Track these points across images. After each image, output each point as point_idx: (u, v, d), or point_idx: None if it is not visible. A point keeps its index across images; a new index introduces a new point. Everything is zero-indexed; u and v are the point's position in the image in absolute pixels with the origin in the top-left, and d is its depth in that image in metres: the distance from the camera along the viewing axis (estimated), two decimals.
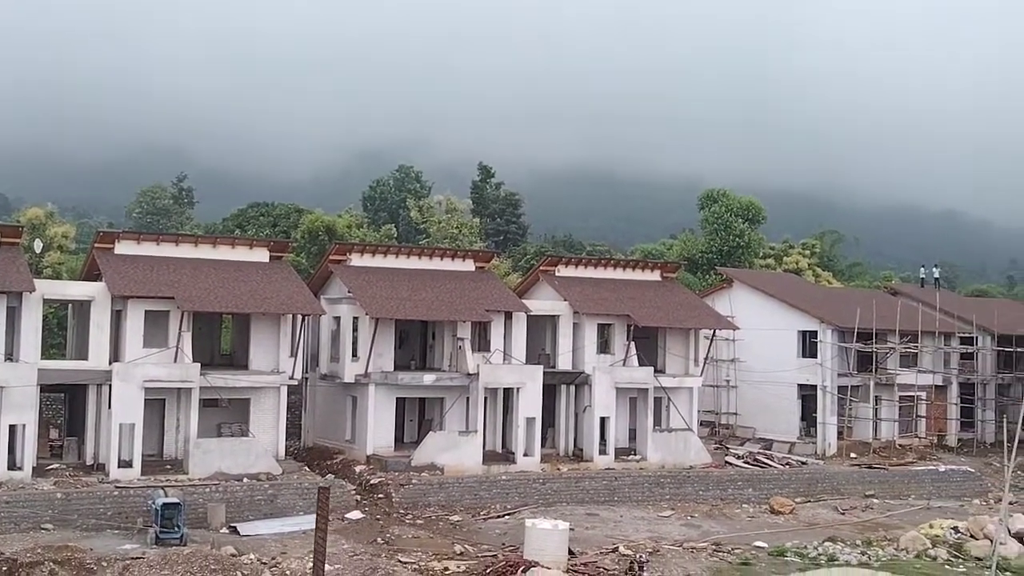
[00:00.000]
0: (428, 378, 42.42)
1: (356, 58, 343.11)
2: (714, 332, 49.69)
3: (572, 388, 45.09)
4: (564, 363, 45.37)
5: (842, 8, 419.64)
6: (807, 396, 52.80)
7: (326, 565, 28.41)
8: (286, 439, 40.38)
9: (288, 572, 27.70)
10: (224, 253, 41.95)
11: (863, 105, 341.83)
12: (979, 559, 32.26)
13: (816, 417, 51.75)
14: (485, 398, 42.01)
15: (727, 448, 50.13)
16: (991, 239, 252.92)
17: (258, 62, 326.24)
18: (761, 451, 49.62)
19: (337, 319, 43.14)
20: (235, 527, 33.09)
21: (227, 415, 39.67)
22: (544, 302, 46.52)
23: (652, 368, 46.09)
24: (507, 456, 42.43)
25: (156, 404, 37.58)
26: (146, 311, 37.58)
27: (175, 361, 37.35)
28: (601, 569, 29.11)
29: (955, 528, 35.96)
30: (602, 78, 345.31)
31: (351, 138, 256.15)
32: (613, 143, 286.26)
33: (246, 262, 41.72)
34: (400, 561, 29.50)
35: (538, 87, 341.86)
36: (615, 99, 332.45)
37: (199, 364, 37.56)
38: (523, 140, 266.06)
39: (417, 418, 44.67)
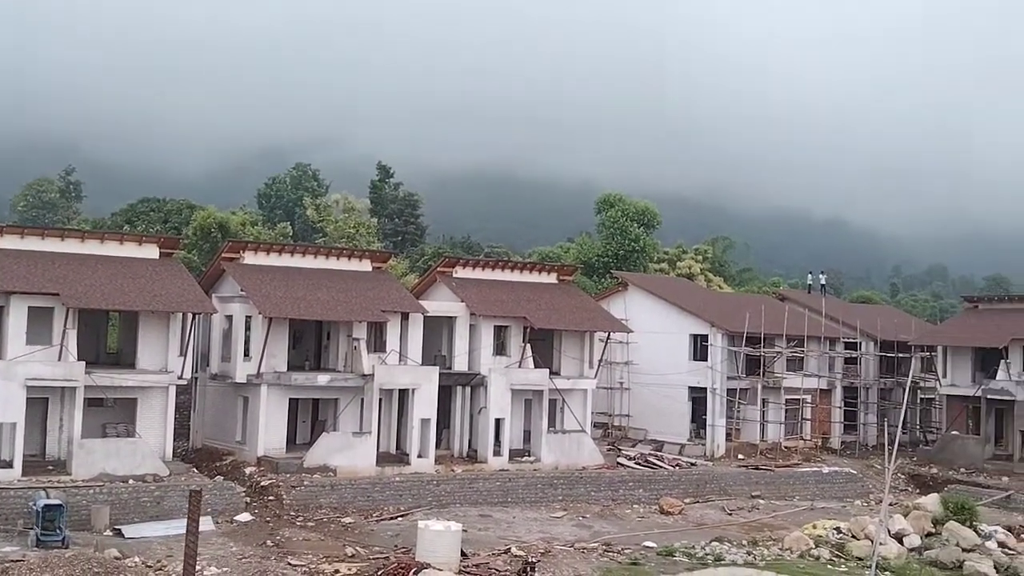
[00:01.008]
0: (322, 379, 42.00)
1: (254, 55, 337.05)
2: (609, 335, 50.34)
3: (468, 389, 45.14)
4: (460, 364, 45.43)
5: (734, 15, 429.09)
6: (698, 398, 53.79)
7: (212, 568, 27.99)
8: (175, 440, 39.66)
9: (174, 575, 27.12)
10: (112, 249, 40.88)
11: (753, 114, 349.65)
12: (860, 559, 33.17)
13: (706, 419, 52.79)
14: (380, 399, 41.78)
15: (619, 449, 50.76)
16: (876, 247, 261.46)
17: (154, 55, 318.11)
18: (652, 452, 50.41)
19: (229, 318, 42.42)
20: (120, 530, 32.28)
21: (113, 415, 38.64)
22: (441, 303, 46.50)
23: (547, 370, 46.46)
24: (401, 457, 42.26)
25: (39, 403, 36.44)
26: (29, 307, 36.45)
27: (59, 359, 36.28)
28: (493, 570, 29.19)
29: (837, 528, 36.94)
30: (499, 80, 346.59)
31: (249, 136, 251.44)
32: (511, 146, 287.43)
33: (135, 258, 40.74)
34: (290, 564, 29.18)
35: (437, 88, 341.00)
36: (513, 101, 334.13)
37: (84, 363, 36.54)
38: (422, 141, 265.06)
39: (310, 419, 44.14)
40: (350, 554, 30.71)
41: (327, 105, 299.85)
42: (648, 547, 33.71)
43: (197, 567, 25.03)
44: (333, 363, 43.89)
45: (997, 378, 53.82)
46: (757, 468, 49.18)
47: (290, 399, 41.86)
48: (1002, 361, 53.87)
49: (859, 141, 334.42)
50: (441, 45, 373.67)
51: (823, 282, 73.29)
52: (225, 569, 28.10)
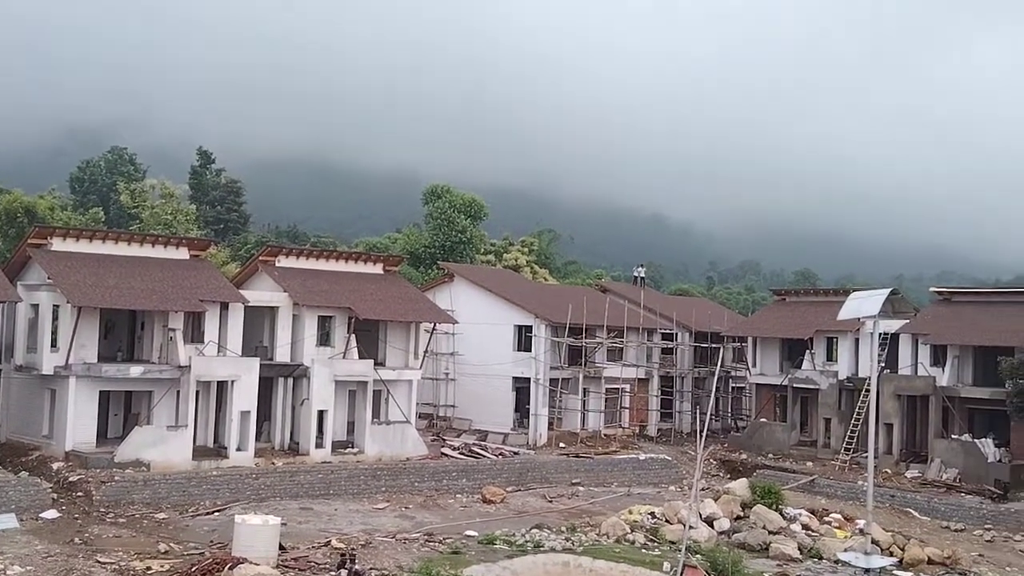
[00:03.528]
0: (135, 370, 40.45)
1: (56, 35, 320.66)
2: (434, 326, 50.43)
3: (290, 381, 44.39)
4: (282, 355, 44.61)
5: (558, 11, 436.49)
6: (521, 388, 54.52)
7: (15, 567, 26.68)
8: None
9: None
10: None
11: (581, 113, 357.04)
12: (673, 542, 34.26)
13: (529, 409, 53.56)
14: (197, 391, 40.57)
15: (444, 440, 50.95)
16: (693, 241, 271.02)
17: None
18: (476, 442, 50.82)
19: (36, 307, 40.41)
20: None
21: None
22: (263, 293, 45.52)
23: (372, 361, 46.15)
24: (219, 451, 41.20)
25: None
26: None
27: None
28: (312, 563, 28.84)
29: (652, 513, 38.01)
30: (321, 67, 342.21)
31: (60, 116, 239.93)
32: (335, 134, 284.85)
33: None
34: (99, 561, 28.04)
35: (256, 69, 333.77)
36: (334, 87, 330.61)
37: None
38: (242, 126, 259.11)
39: (123, 412, 42.46)
40: (163, 551, 29.75)
41: (135, 86, 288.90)
42: (470, 536, 33.96)
43: None
44: (147, 354, 42.33)
45: (803, 368, 56.63)
46: (577, 456, 50.23)
47: (101, 391, 40.15)
48: (807, 351, 56.71)
49: (680, 142, 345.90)
50: (260, 27, 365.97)
51: (642, 275, 75.44)
52: (29, 568, 26.81)
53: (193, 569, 26.85)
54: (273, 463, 41.49)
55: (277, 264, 47.57)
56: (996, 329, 50.02)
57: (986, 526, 41.94)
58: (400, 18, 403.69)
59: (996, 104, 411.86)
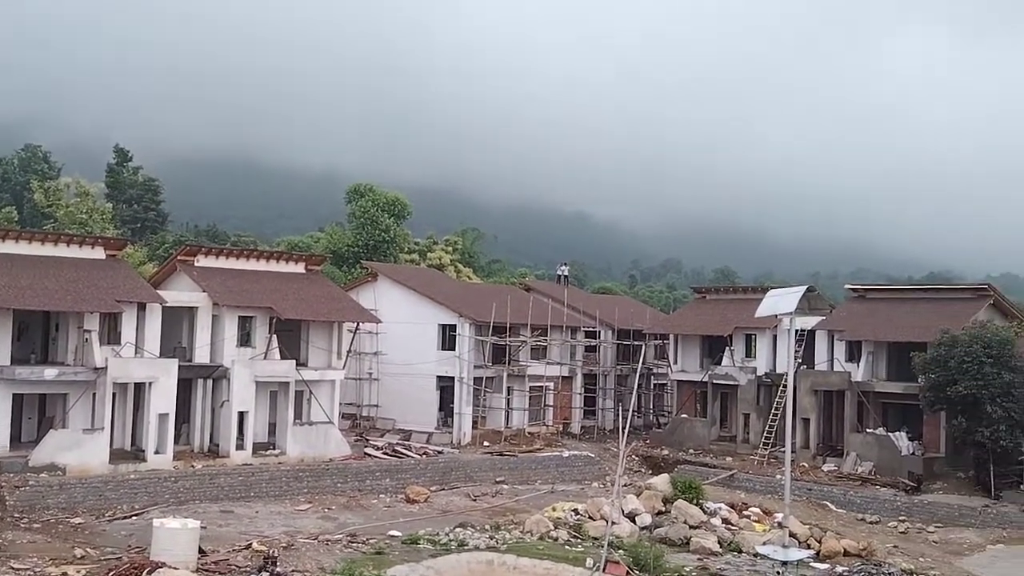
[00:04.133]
0: (50, 372, 39.54)
1: None
2: (358, 325, 50.14)
3: (210, 382, 43.79)
4: (202, 356, 43.99)
5: (482, 10, 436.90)
6: (445, 387, 54.50)
7: None
8: None
9: None
10: None
11: (504, 112, 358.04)
12: (595, 538, 34.44)
13: (453, 408, 53.55)
14: (114, 393, 39.87)
15: (367, 440, 50.70)
16: (617, 240, 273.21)
17: None
18: (400, 442, 50.69)
19: None
20: None
21: None
22: (181, 293, 44.81)
23: (294, 361, 45.74)
24: (137, 454, 40.50)
25: None
26: None
27: None
28: (233, 566, 28.49)
29: (575, 510, 38.25)
30: (239, 64, 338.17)
31: None
32: (254, 132, 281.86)
33: None
34: (13, 568, 27.36)
35: (177, 68, 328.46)
36: (253, 86, 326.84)
37: None
38: (164, 123, 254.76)
39: (37, 415, 41.45)
40: (79, 556, 29.13)
41: (48, 85, 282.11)
42: (393, 536, 33.82)
43: None
44: (62, 356, 41.43)
45: (722, 364, 57.53)
46: (501, 454, 50.35)
47: (14, 394, 39.16)
48: (727, 348, 57.62)
49: (603, 141, 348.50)
50: (180, 25, 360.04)
51: (566, 273, 75.90)
52: None
53: (111, 574, 26.37)
54: (192, 466, 40.91)
55: (196, 264, 46.86)
56: (909, 325, 51.33)
57: (900, 518, 42.97)
58: (323, 15, 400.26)
59: (908, 102, 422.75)
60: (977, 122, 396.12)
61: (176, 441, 41.69)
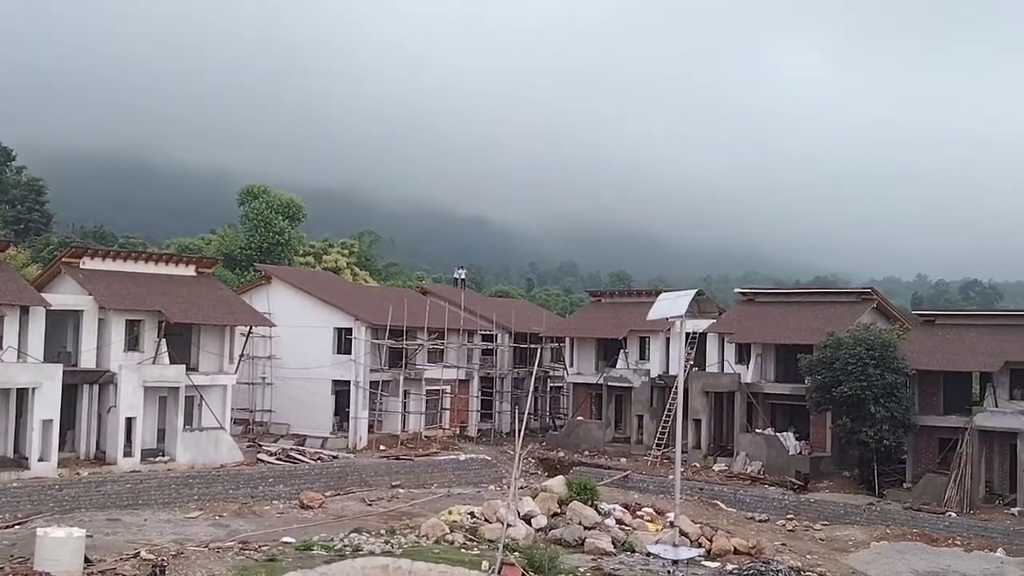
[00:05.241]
0: None
1: None
2: (250, 329, 49.34)
3: (96, 388, 42.65)
4: (88, 361, 42.77)
5: (381, 16, 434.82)
6: (341, 392, 54.00)
7: None
8: None
9: None
10: None
11: (399, 112, 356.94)
12: (491, 541, 34.52)
13: (349, 412, 53.09)
14: None
15: (260, 445, 49.96)
16: (514, 243, 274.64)
17: None
18: (294, 447, 50.04)
19: None
20: None
21: None
22: (66, 296, 43.49)
23: (184, 366, 44.84)
24: (20, 462, 39.16)
25: None
26: None
27: None
28: (120, 575, 27.82)
29: (472, 513, 38.24)
30: (129, 63, 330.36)
31: None
32: (141, 132, 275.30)
33: None
34: None
35: (62, 68, 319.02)
36: (142, 85, 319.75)
37: None
38: (49, 121, 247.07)
39: None
40: None
41: None
42: (287, 542, 33.37)
43: None
44: None
45: (617, 366, 58.23)
46: (398, 458, 50.13)
47: None
48: (621, 351, 58.34)
49: (500, 145, 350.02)
50: (64, 25, 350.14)
51: (463, 277, 75.92)
52: None
53: None
54: (78, 473, 39.77)
55: (82, 266, 45.55)
56: (796, 328, 52.69)
57: (788, 516, 44.02)
58: (217, 14, 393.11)
59: (795, 106, 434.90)
60: (859, 128, 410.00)
61: (61, 448, 40.46)
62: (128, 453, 41.97)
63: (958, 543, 39.52)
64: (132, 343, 44.46)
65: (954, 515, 42.15)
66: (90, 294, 43.38)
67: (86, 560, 28.12)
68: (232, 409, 48.07)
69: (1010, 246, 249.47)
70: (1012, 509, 42.65)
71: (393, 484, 46.67)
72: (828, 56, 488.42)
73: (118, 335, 43.53)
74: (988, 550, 38.37)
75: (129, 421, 42.30)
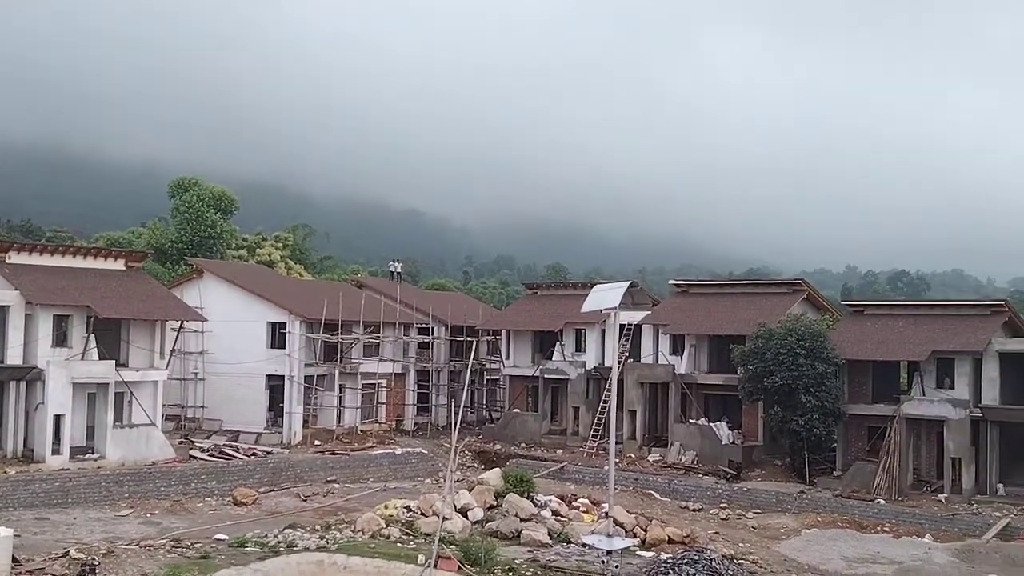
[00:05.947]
0: None
1: None
2: (181, 324, 48.66)
3: (23, 384, 41.84)
4: (14, 358, 41.93)
5: (317, 5, 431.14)
6: (275, 386, 53.55)
7: None
8: None
9: None
10: None
11: (333, 105, 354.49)
12: (428, 535, 34.36)
13: (283, 407, 52.63)
14: None
15: (192, 442, 49.33)
16: (450, 237, 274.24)
17: None
18: (227, 443, 49.49)
19: None
20: None
21: None
22: None
23: (114, 362, 44.12)
24: None
25: None
26: None
27: None
28: (50, 575, 27.26)
29: (408, 507, 38.06)
30: (55, 54, 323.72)
31: None
32: (71, 122, 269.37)
33: None
34: None
35: None
36: (68, 77, 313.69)
37: None
38: None
39: None
40: None
41: None
42: (220, 540, 32.96)
43: None
44: None
45: (553, 359, 58.45)
46: (333, 453, 49.82)
47: None
48: (557, 343, 58.58)
49: (435, 138, 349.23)
50: None
51: (399, 270, 75.63)
52: None
53: None
54: (5, 472, 38.95)
55: (8, 260, 44.58)
56: (728, 319, 53.32)
57: (721, 505, 44.61)
58: (145, 6, 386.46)
59: (728, 101, 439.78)
60: (790, 121, 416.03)
61: None
62: (57, 451, 41.22)
63: (887, 530, 40.37)
64: (60, 339, 43.63)
65: (883, 502, 43.03)
66: (16, 289, 42.49)
67: (14, 560, 27.58)
68: (163, 405, 47.53)
69: (938, 237, 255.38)
70: (939, 496, 43.66)
71: (328, 479, 46.39)
72: (762, 49, 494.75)
73: (46, 331, 42.68)
74: (916, 536, 39.25)
75: (57, 418, 41.54)
